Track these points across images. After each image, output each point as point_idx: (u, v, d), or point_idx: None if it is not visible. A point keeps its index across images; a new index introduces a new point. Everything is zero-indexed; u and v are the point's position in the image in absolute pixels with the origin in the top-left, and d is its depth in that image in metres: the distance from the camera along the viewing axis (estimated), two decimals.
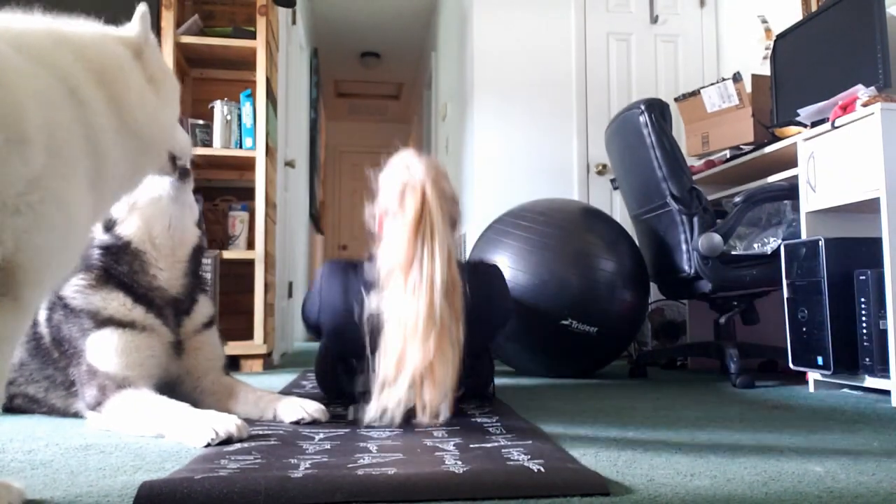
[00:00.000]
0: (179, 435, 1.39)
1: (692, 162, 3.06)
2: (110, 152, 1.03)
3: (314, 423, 1.56)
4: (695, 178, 2.79)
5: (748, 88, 3.01)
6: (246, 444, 1.31)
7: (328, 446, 1.30)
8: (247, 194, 3.21)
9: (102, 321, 1.58)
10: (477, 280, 1.61)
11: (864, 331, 2.01)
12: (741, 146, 2.88)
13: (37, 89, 0.92)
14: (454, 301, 1.45)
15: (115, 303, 1.60)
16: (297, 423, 1.55)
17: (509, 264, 2.67)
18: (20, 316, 0.91)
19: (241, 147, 3.12)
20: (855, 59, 2.37)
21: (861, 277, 2.03)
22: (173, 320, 1.68)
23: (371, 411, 1.43)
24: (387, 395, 1.42)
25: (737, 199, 2.45)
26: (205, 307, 1.78)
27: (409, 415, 1.46)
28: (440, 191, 1.53)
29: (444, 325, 1.41)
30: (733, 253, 2.56)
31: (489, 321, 1.74)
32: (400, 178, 1.55)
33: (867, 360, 1.99)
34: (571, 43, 4.05)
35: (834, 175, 2.14)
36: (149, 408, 1.49)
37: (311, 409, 1.57)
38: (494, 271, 1.96)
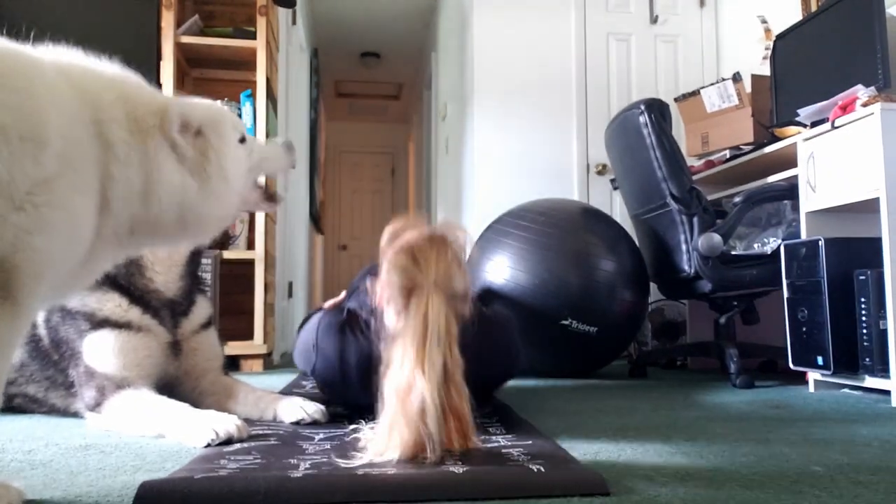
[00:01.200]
0: (179, 435, 1.39)
1: (692, 162, 3.06)
2: (118, 209, 1.01)
3: (314, 423, 1.56)
4: (695, 178, 2.79)
5: (748, 88, 3.01)
6: (246, 445, 1.32)
7: (328, 446, 1.30)
8: None
9: (98, 322, 1.58)
10: (488, 335, 1.49)
11: (864, 331, 2.01)
12: (741, 146, 2.88)
13: (64, 107, 0.94)
14: (453, 427, 1.26)
15: (111, 304, 1.60)
16: (297, 423, 1.55)
17: (509, 264, 2.67)
18: (18, 319, 0.92)
19: None
20: (854, 59, 2.37)
21: (861, 277, 2.03)
22: (170, 321, 1.68)
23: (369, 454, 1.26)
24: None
25: (737, 199, 2.45)
26: (203, 308, 1.78)
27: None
28: (450, 296, 1.33)
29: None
30: (733, 253, 2.56)
31: (491, 379, 1.64)
32: (407, 275, 1.34)
33: (867, 360, 1.99)
34: (571, 43, 4.05)
35: (834, 175, 2.14)
36: (148, 408, 1.49)
37: (311, 409, 1.57)
38: (507, 329, 1.75)
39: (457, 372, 1.26)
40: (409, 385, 1.23)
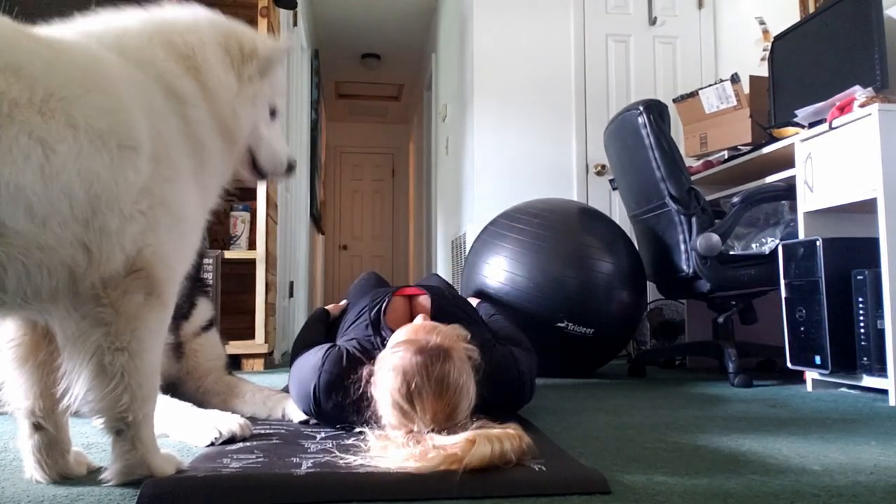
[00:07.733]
0: (183, 434, 1.40)
1: (690, 162, 3.07)
2: (207, 143, 1.09)
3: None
4: (693, 178, 2.80)
5: (746, 89, 3.02)
6: (248, 443, 1.33)
7: (330, 445, 1.30)
8: (248, 194, 3.21)
9: None
10: (497, 381, 1.43)
11: (862, 330, 2.02)
12: (739, 147, 2.89)
13: (142, 96, 0.98)
14: None
15: None
16: (305, 422, 1.56)
17: (505, 267, 2.67)
18: (165, 311, 1.03)
19: None
20: (852, 60, 2.38)
21: (858, 277, 2.04)
22: (171, 324, 1.69)
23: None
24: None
25: (735, 200, 2.46)
26: (204, 310, 1.79)
27: None
28: (452, 425, 1.21)
29: None
30: (731, 253, 2.56)
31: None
32: (402, 418, 1.21)
33: (865, 359, 2.00)
34: (570, 44, 4.06)
35: (831, 175, 2.15)
36: None
37: None
38: (512, 369, 1.60)
39: None
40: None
